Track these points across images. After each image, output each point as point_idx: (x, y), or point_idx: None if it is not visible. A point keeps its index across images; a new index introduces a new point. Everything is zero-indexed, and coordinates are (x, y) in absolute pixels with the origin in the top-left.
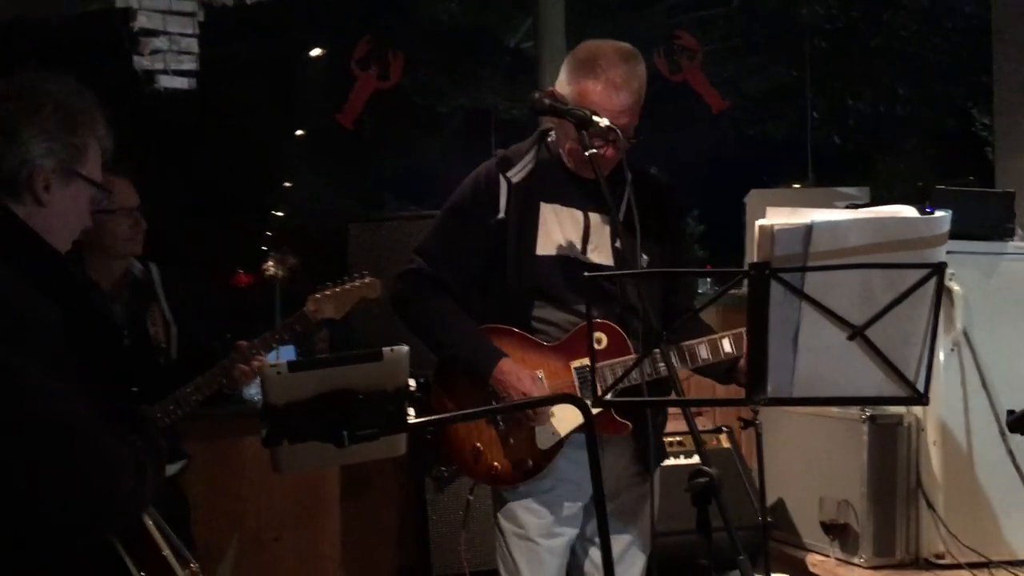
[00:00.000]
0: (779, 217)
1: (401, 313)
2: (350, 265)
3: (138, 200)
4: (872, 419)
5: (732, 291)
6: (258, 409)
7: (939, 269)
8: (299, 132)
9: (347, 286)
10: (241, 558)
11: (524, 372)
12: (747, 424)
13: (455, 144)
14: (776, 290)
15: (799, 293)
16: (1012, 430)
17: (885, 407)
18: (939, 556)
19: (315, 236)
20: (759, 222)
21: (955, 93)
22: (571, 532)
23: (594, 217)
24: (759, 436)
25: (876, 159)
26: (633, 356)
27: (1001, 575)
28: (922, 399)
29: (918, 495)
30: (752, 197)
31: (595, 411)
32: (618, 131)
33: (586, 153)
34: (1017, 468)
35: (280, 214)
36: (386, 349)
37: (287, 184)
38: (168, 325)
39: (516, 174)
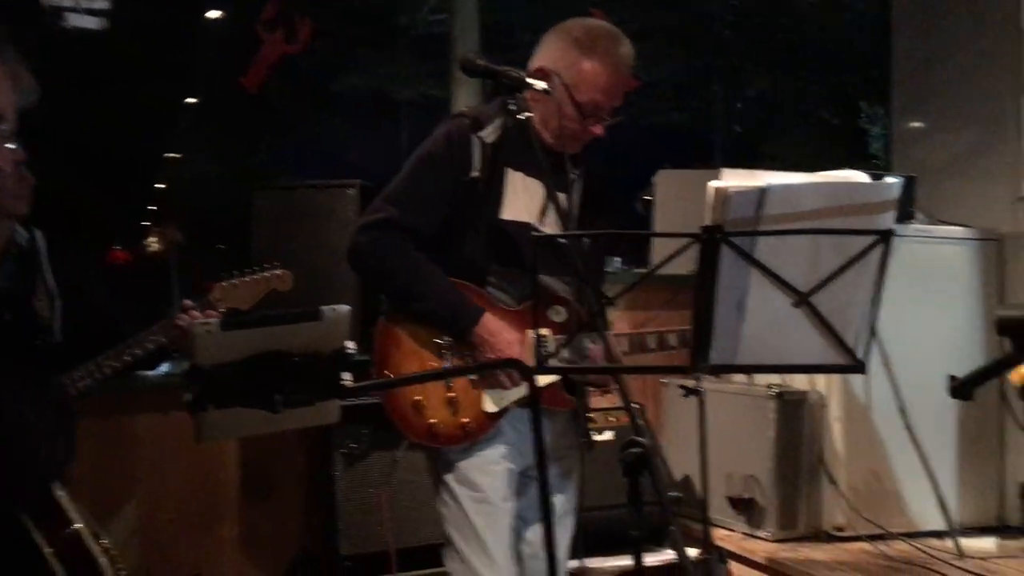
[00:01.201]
0: (734, 179)
1: (364, 263)
2: (254, 237)
3: (24, 153)
4: (779, 396)
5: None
6: (154, 383)
7: (887, 236)
8: (191, 100)
9: (258, 276)
10: (131, 541)
11: (509, 331)
12: (689, 392)
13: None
14: (727, 254)
15: (749, 258)
16: (954, 396)
17: (790, 384)
18: (840, 528)
19: (206, 208)
20: (713, 184)
21: (848, 84)
22: (514, 506)
23: (552, 191)
24: (702, 404)
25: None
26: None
27: (899, 546)
28: (861, 367)
29: (820, 470)
30: (661, 177)
31: (545, 381)
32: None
33: (592, 129)
34: (915, 443)
35: (163, 186)
36: (326, 308)
37: (175, 155)
38: (52, 299)
39: (488, 135)
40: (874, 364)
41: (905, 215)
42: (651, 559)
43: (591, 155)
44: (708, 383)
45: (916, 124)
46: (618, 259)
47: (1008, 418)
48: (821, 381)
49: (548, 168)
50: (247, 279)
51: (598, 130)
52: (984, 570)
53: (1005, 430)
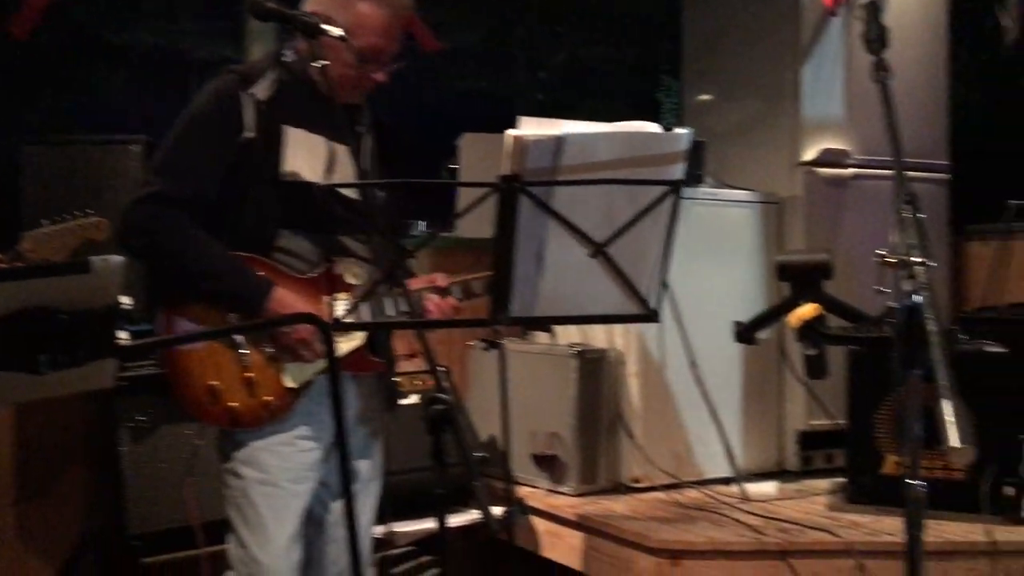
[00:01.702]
0: (531, 128)
1: (137, 243)
2: (25, 196)
3: None
4: (580, 354)
5: (446, 234)
6: None
7: (677, 186)
8: None
9: (70, 224)
10: None
11: (303, 302)
12: (490, 345)
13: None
14: (525, 205)
15: (547, 209)
16: (739, 340)
17: (590, 343)
18: (636, 480)
19: None
20: (511, 132)
21: (646, 54)
22: (315, 476)
23: (338, 147)
24: (503, 358)
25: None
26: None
27: (690, 493)
28: (654, 316)
29: (619, 425)
30: (465, 141)
31: (349, 346)
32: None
33: (374, 76)
34: (704, 395)
35: None
36: (96, 259)
37: None
38: None
39: (260, 92)
40: (667, 321)
41: (694, 179)
42: (457, 519)
43: (383, 108)
44: (513, 344)
45: (705, 93)
46: (423, 223)
47: (786, 370)
48: (619, 339)
49: (333, 122)
50: (58, 228)
51: (380, 76)
52: (766, 511)
53: (784, 381)
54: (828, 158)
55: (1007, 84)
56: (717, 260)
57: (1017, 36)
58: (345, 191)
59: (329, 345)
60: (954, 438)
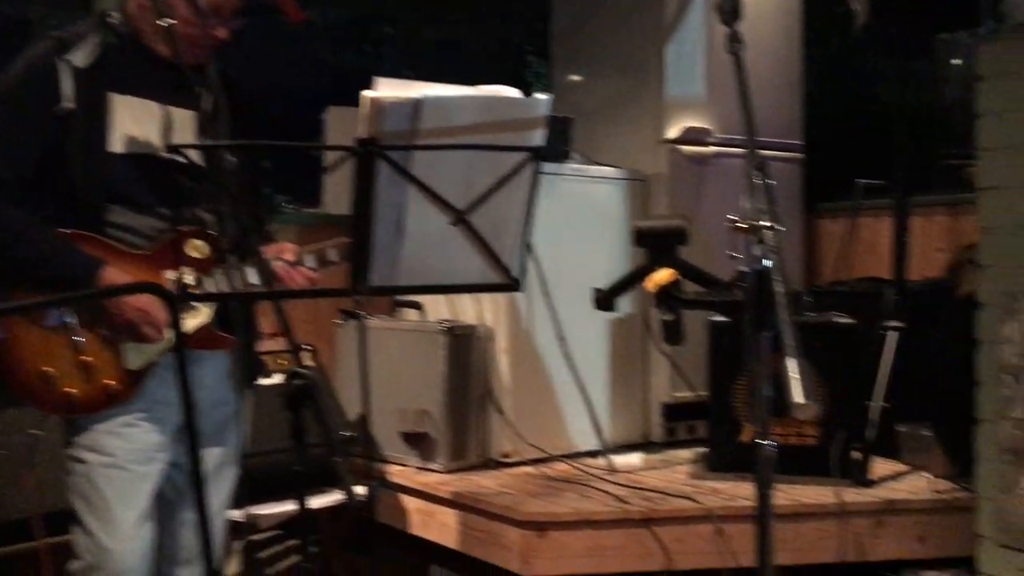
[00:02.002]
0: (387, 90)
1: None
2: None
3: None
4: (449, 331)
5: (311, 210)
6: None
7: (537, 153)
8: None
9: None
10: None
11: (137, 280)
12: (349, 316)
13: None
14: (384, 170)
15: (406, 174)
16: (599, 307)
17: (460, 319)
18: (506, 455)
19: None
20: (368, 94)
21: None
22: (165, 456)
23: (176, 111)
24: (363, 329)
25: None
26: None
27: (559, 467)
28: (516, 286)
29: (488, 401)
30: (332, 114)
31: (195, 323)
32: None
33: (216, 32)
34: (572, 371)
35: None
36: None
37: None
38: None
39: (80, 59)
40: (536, 296)
41: (562, 155)
42: (323, 500)
43: (226, 72)
44: (381, 321)
45: (573, 72)
46: (287, 199)
47: (651, 344)
48: (488, 314)
49: (170, 85)
50: None
51: (221, 33)
52: (631, 482)
53: (649, 355)
54: (690, 136)
55: (857, 67)
56: (585, 236)
57: (866, 20)
58: (190, 157)
59: (175, 319)
60: (798, 394)
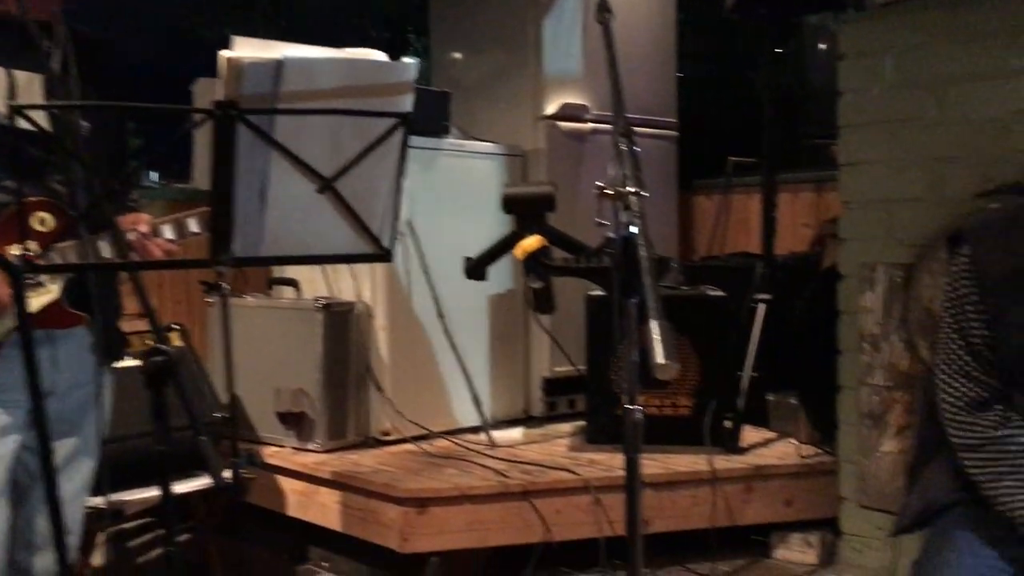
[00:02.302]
0: (247, 49)
1: None
2: None
3: None
4: (327, 307)
5: (181, 185)
6: None
7: (406, 118)
8: None
9: None
10: None
11: None
12: (212, 288)
13: None
14: (244, 134)
15: (268, 139)
16: (469, 276)
17: (337, 296)
18: (386, 433)
19: None
20: (225, 53)
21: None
22: (15, 438)
23: (20, 75)
24: (225, 301)
25: None
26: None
27: (440, 443)
28: (387, 256)
29: (368, 379)
30: (200, 86)
31: (41, 302)
32: None
33: None
34: (453, 347)
35: None
36: None
37: None
38: None
39: None
40: (415, 273)
41: (441, 130)
42: (190, 484)
43: (77, 31)
44: (256, 300)
45: (452, 47)
46: (155, 174)
47: (532, 320)
48: (367, 292)
49: (12, 47)
50: None
51: None
52: (512, 455)
53: (529, 331)
54: (568, 112)
55: (729, 50)
56: (464, 211)
57: (736, 1)
58: (38, 124)
59: (19, 295)
60: (660, 355)
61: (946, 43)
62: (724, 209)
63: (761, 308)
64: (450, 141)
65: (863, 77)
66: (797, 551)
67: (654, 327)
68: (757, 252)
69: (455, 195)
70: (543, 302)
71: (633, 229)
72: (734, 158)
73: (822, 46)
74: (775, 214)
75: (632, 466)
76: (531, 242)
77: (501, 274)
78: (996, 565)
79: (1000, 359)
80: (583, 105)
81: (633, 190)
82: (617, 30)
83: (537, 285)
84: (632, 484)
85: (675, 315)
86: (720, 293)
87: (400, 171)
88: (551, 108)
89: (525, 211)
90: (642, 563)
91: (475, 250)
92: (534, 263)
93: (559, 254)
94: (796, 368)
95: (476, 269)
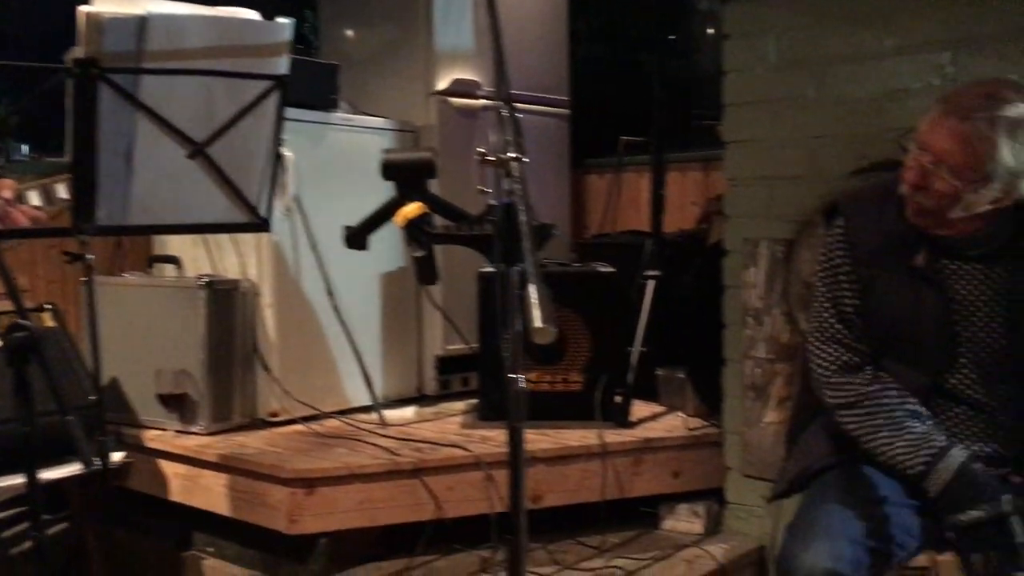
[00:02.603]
0: (109, 4)
1: None
2: None
3: None
4: (209, 285)
5: (53, 158)
6: None
7: (281, 81)
8: None
9: None
10: None
11: None
12: (75, 258)
13: None
14: (107, 95)
15: (133, 100)
16: (349, 245)
17: (222, 273)
18: (274, 414)
19: None
20: (84, 9)
21: None
22: None
23: None
24: (90, 272)
25: None
26: None
27: (331, 423)
28: (265, 225)
29: (255, 359)
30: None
31: None
32: None
33: None
34: (343, 325)
35: None
36: None
37: None
38: None
39: None
40: (303, 249)
41: (330, 103)
42: (62, 471)
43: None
44: (135, 277)
45: (342, 21)
46: (25, 147)
47: (425, 297)
48: (253, 269)
49: None
50: None
51: None
52: (403, 434)
53: (422, 309)
54: (460, 88)
55: (621, 31)
56: (354, 187)
57: None
58: None
59: None
60: (537, 318)
61: (825, 25)
62: (615, 188)
63: (650, 284)
64: (339, 115)
65: (746, 57)
66: (684, 521)
67: (532, 291)
68: (647, 230)
69: (345, 171)
70: (425, 271)
71: (513, 195)
72: (626, 137)
73: (711, 31)
74: (663, 192)
75: (515, 436)
76: (411, 209)
77: (392, 251)
78: (867, 524)
79: (870, 327)
80: (475, 81)
81: (514, 155)
82: (507, 4)
83: (419, 254)
84: (516, 454)
85: (566, 291)
86: (610, 269)
87: (277, 137)
88: (443, 84)
89: (405, 177)
90: (527, 530)
91: None
92: (415, 231)
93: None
94: (684, 343)
95: (356, 238)
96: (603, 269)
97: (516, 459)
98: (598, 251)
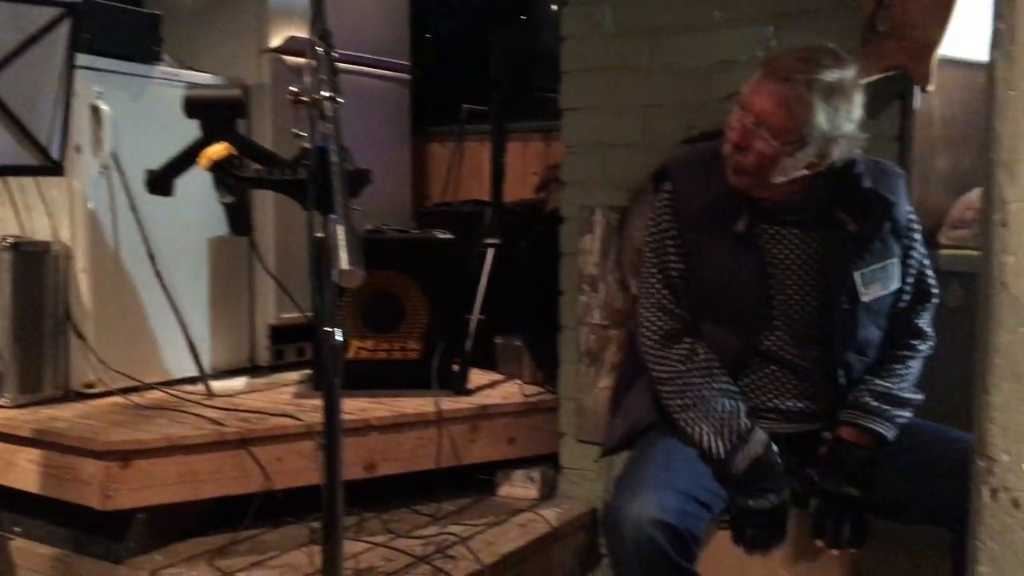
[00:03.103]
0: None
1: None
2: None
3: None
4: (15, 247)
5: None
6: None
7: (73, 10)
8: None
9: None
10: None
11: None
12: None
13: None
14: None
15: None
16: (152, 191)
17: (30, 235)
18: (89, 385)
19: None
20: None
21: None
22: None
23: None
24: None
25: None
26: None
27: (153, 395)
28: (57, 169)
29: (67, 327)
30: None
31: None
32: None
33: None
34: (167, 292)
35: None
36: None
37: None
38: None
39: None
40: (122, 210)
41: (151, 55)
42: None
43: None
44: None
45: None
46: None
47: (257, 264)
48: (65, 231)
49: None
50: None
51: None
52: (231, 404)
53: (255, 276)
54: (294, 46)
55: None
56: (178, 146)
57: None
58: None
59: None
60: (344, 260)
61: None
62: (457, 156)
63: (490, 253)
64: (163, 69)
65: (584, 24)
66: (520, 487)
67: (339, 233)
68: (489, 200)
69: (168, 128)
70: (237, 220)
71: (327, 137)
72: (468, 105)
73: (554, 7)
74: (504, 160)
75: (331, 392)
76: (217, 150)
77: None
78: (691, 476)
79: (693, 290)
80: (310, 40)
81: (328, 95)
82: None
83: (228, 200)
84: (332, 411)
85: (404, 258)
86: (449, 236)
87: (69, 74)
88: (276, 41)
89: (211, 116)
90: (361, 499)
91: (192, 186)
92: (223, 174)
93: (257, 169)
94: (522, 311)
95: (159, 182)
96: (442, 236)
97: (332, 418)
98: (439, 219)
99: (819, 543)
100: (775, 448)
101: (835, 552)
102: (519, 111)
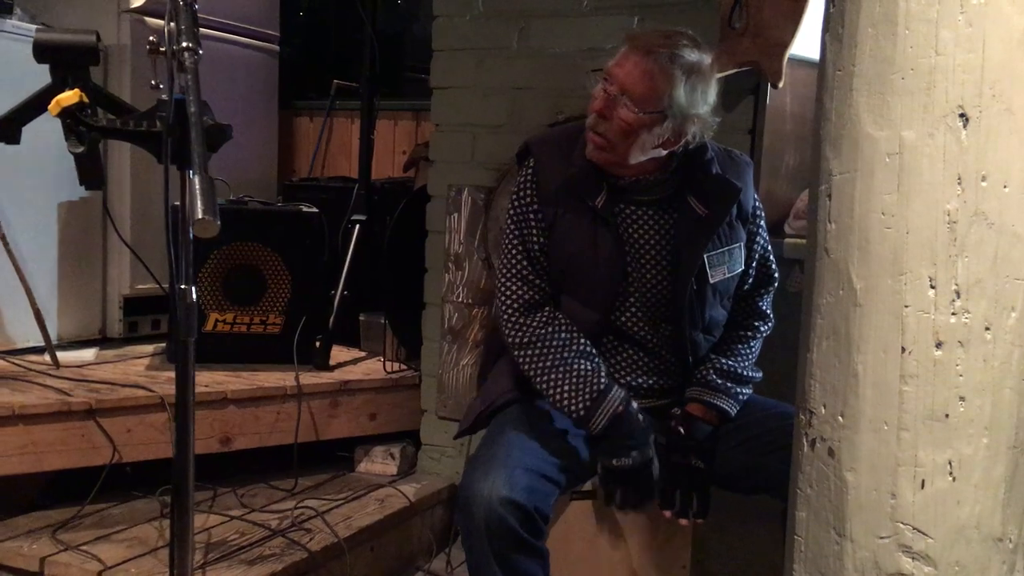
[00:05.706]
0: None
1: None
2: None
3: None
4: None
5: None
6: None
7: None
8: None
9: None
10: None
11: None
12: None
13: None
14: None
15: None
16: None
17: None
18: None
19: None
20: None
21: None
22: None
23: None
24: None
25: None
26: None
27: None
28: None
29: None
30: None
31: None
32: None
33: None
34: (11, 257)
35: None
36: None
37: None
38: None
39: None
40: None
41: (3, 8)
42: None
43: None
44: None
45: None
46: None
47: (112, 231)
48: None
49: None
50: None
51: None
52: (79, 375)
53: (109, 245)
54: (158, 7)
55: None
56: None
57: None
58: None
59: None
60: (199, 210)
61: None
62: (326, 131)
63: (356, 229)
64: (13, 23)
65: (455, 4)
66: (379, 463)
67: (196, 183)
68: (356, 178)
69: (16, 85)
70: (87, 171)
71: (185, 87)
72: (338, 81)
73: None
74: (373, 136)
75: (184, 351)
76: (67, 96)
77: (75, 182)
78: (542, 454)
79: (552, 265)
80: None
81: (188, 46)
82: None
83: (78, 150)
84: (184, 369)
85: (267, 231)
86: (314, 210)
87: None
88: (137, 1)
89: (62, 61)
90: (215, 474)
91: (43, 147)
92: (74, 122)
93: (110, 119)
94: (386, 287)
95: (5, 128)
96: (307, 209)
97: (184, 382)
98: (306, 194)
99: (667, 513)
100: (635, 405)
101: (683, 522)
102: (391, 90)
